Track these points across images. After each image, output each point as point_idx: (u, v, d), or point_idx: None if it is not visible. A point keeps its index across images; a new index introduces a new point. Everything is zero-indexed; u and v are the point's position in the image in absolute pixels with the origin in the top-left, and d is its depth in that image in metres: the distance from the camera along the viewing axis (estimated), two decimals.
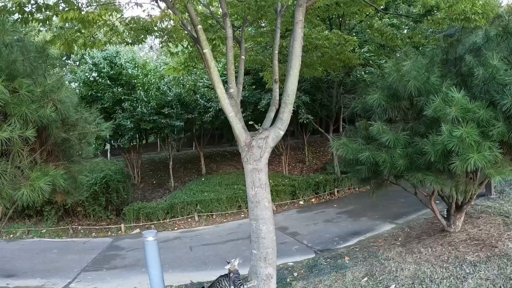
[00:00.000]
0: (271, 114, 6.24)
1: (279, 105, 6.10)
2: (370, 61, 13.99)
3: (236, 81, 6.37)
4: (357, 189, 14.93)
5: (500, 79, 5.37)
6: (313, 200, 14.46)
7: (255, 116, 14.00)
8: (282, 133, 5.96)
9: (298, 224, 11.42)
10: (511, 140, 5.33)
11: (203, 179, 16.48)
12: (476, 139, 4.98)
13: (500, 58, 5.47)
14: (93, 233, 12.50)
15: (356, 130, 7.27)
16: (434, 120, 5.55)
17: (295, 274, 7.39)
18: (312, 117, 14.93)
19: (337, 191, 14.82)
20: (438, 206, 7.86)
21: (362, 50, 13.49)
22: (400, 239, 8.42)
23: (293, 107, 13.06)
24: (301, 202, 14.24)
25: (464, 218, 7.81)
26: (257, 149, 5.81)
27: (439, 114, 5.26)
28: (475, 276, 5.71)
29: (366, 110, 6.85)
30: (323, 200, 14.44)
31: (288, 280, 6.98)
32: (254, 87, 15.97)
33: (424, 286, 5.73)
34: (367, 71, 14.08)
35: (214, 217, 13.24)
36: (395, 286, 5.95)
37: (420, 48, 12.10)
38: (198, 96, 16.19)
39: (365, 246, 8.44)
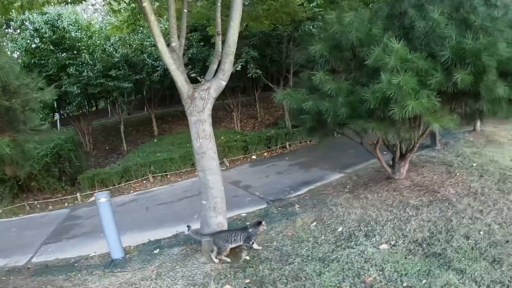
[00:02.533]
0: (213, 66, 6.23)
1: (221, 56, 6.10)
2: (320, 16, 13.99)
3: (179, 35, 6.33)
4: (308, 142, 15.27)
5: (440, 32, 5.62)
6: (265, 154, 14.75)
7: (204, 72, 13.87)
8: (224, 83, 6.02)
9: (251, 178, 11.69)
10: (449, 90, 5.59)
11: (155, 140, 16.44)
12: (413, 87, 5.20)
13: (442, 12, 5.70)
14: (50, 206, 12.32)
15: (301, 81, 7.37)
16: (375, 69, 5.70)
17: (248, 223, 7.57)
18: (260, 72, 14.87)
19: (289, 145, 15.15)
20: (385, 157, 8.21)
21: (311, 4, 13.46)
22: (348, 186, 8.74)
23: (242, 62, 13.08)
24: (254, 157, 14.52)
25: (409, 167, 8.19)
26: (200, 101, 5.87)
27: (379, 64, 5.45)
28: (418, 218, 6.13)
29: (310, 61, 6.91)
30: (276, 154, 14.75)
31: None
32: (202, 43, 15.75)
33: (369, 228, 6.09)
34: (315, 26, 14.13)
35: (168, 177, 13.35)
36: (342, 228, 6.30)
37: (369, 5, 12.17)
38: (145, 56, 15.91)
39: (315, 194, 8.74)
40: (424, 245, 5.38)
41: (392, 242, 5.56)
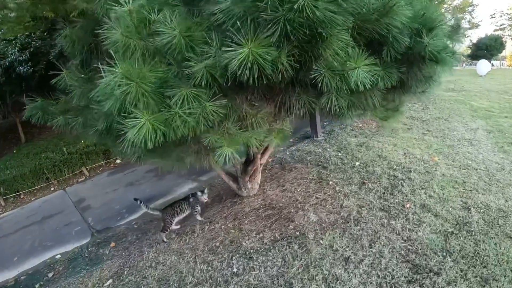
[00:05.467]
0: None
1: None
2: None
3: None
4: None
5: None
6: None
7: (49, 69, 11.37)
8: None
9: (98, 193, 9.51)
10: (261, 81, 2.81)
11: (14, 151, 13.78)
12: (145, 91, 2.76)
13: None
14: None
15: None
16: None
17: (50, 274, 5.73)
18: None
19: None
20: None
21: None
22: None
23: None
24: (118, 161, 12.15)
25: (274, 172, 6.39)
26: None
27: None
28: (242, 280, 4.11)
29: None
30: None
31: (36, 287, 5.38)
32: (47, 33, 12.69)
33: None
34: None
35: (22, 197, 10.91)
36: None
37: None
38: None
39: (146, 222, 6.80)
40: None
41: None
